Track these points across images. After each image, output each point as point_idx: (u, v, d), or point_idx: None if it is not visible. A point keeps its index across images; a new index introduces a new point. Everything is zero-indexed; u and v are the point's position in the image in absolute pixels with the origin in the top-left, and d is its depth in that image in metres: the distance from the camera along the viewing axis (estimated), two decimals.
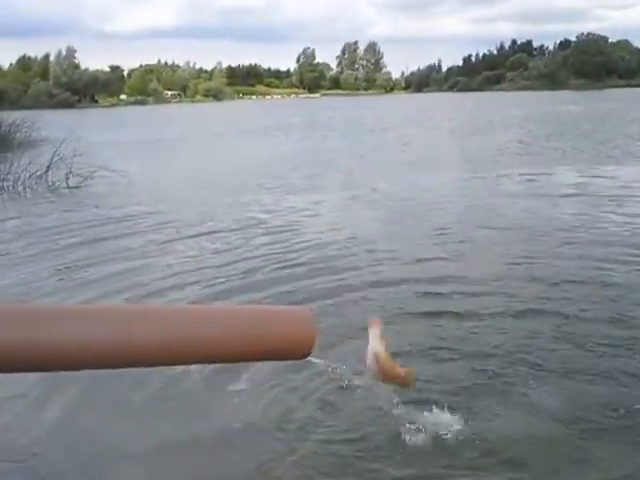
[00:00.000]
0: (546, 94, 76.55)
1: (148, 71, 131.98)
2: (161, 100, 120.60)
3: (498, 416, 3.28)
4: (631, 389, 3.55)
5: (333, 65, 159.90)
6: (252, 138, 28.12)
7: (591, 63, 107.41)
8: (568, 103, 47.23)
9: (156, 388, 3.75)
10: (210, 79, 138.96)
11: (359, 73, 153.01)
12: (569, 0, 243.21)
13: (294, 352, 1.26)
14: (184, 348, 1.08)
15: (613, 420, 3.23)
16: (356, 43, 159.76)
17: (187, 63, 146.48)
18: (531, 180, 11.91)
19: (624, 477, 2.80)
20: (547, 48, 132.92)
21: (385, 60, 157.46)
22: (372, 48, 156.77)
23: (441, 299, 5.16)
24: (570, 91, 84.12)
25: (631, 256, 6.16)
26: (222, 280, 6.02)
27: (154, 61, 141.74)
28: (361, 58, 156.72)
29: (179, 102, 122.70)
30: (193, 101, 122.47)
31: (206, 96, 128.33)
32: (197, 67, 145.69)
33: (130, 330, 1.01)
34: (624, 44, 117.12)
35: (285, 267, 6.39)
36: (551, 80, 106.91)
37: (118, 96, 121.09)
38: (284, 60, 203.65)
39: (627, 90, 77.91)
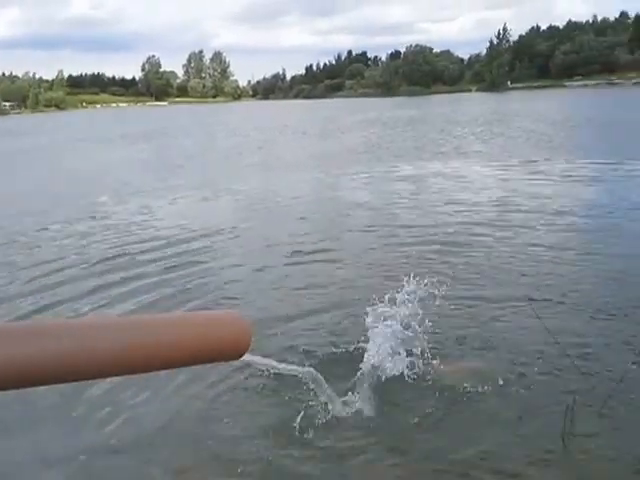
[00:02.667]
0: (382, 100, 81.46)
1: None
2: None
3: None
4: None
5: (180, 73, 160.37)
6: (99, 147, 27.36)
7: (419, 72, 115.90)
8: (401, 108, 50.72)
9: (84, 395, 3.74)
10: (51, 89, 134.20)
11: (207, 81, 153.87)
12: (397, 14, 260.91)
13: (231, 353, 1.19)
14: (119, 359, 1.00)
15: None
16: (201, 52, 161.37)
17: (26, 73, 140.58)
18: (369, 174, 13.18)
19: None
20: (380, 58, 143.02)
21: (232, 69, 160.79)
22: (218, 57, 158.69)
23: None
24: (403, 97, 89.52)
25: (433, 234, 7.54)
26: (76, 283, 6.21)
27: None
28: (208, 67, 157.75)
29: (19, 113, 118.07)
30: (34, 111, 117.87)
31: (48, 106, 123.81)
32: (37, 77, 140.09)
33: (52, 345, 0.87)
34: (447, 54, 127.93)
35: (150, 263, 6.85)
36: (386, 87, 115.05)
37: None
38: (129, 69, 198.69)
39: (450, 95, 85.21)
